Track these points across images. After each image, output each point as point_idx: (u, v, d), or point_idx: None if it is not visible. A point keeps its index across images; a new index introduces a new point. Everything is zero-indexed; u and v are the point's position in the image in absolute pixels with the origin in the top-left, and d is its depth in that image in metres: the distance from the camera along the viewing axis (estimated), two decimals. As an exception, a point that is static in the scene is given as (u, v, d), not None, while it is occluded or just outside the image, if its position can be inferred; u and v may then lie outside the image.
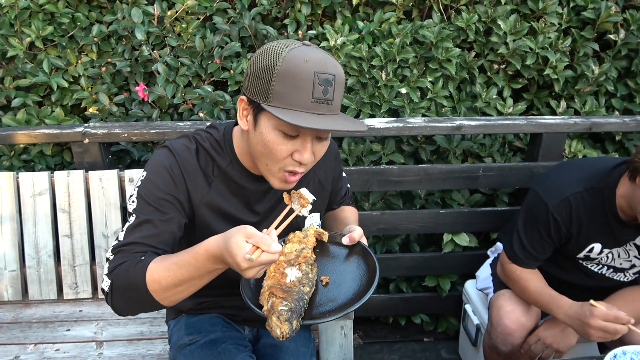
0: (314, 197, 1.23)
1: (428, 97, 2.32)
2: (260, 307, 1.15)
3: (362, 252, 1.35)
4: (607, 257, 1.73)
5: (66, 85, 2.28)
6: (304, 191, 1.23)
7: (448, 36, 2.26)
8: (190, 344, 1.45)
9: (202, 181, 1.28)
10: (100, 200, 2.02)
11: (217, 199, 1.30)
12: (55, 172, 2.01)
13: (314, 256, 1.30)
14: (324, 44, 2.24)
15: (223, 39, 2.30)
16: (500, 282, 1.93)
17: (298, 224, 1.42)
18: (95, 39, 2.28)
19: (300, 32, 2.29)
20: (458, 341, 2.49)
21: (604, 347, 1.90)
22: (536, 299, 1.74)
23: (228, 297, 1.47)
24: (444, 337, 2.65)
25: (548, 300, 1.70)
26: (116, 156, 2.39)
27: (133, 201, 1.22)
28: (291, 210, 1.22)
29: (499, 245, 2.11)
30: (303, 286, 1.18)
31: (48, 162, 2.34)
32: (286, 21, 2.32)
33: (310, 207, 1.22)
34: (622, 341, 1.61)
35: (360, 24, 2.34)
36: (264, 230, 1.05)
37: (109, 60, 2.32)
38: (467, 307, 2.25)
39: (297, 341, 1.53)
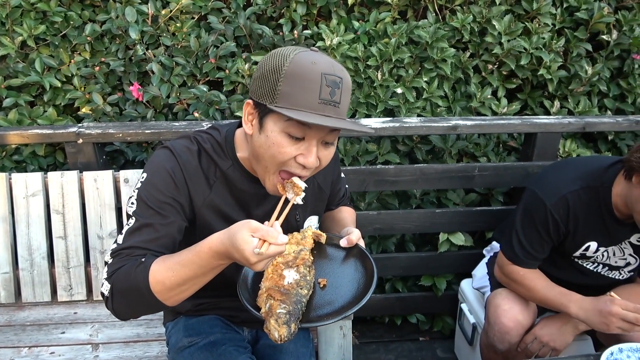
0: (305, 185, 1.22)
1: (423, 97, 2.32)
2: (258, 308, 1.15)
3: (359, 254, 1.34)
4: (603, 255, 1.75)
5: (59, 84, 2.25)
6: (296, 179, 1.22)
7: (443, 36, 2.27)
8: (190, 346, 1.44)
9: (203, 183, 1.27)
10: (95, 201, 1.99)
11: (218, 200, 1.29)
12: (49, 173, 1.98)
13: (312, 258, 1.30)
14: (319, 43, 2.24)
15: (218, 38, 2.29)
16: (497, 281, 1.93)
17: (298, 225, 1.42)
18: (89, 38, 2.26)
19: (295, 31, 2.29)
20: (454, 340, 2.50)
21: (600, 345, 1.92)
22: (545, 297, 1.74)
23: (227, 298, 1.45)
24: (439, 337, 2.67)
25: (559, 297, 1.71)
26: (110, 156, 2.36)
27: (133, 203, 1.20)
28: (287, 201, 1.21)
29: (495, 244, 2.12)
30: (301, 288, 1.17)
31: (40, 163, 2.31)
32: (281, 21, 2.31)
33: (303, 194, 1.21)
34: (620, 340, 1.62)
35: (356, 24, 2.34)
36: (266, 222, 1.05)
37: (103, 59, 2.30)
38: (463, 306, 2.26)
39: (296, 342, 1.53)
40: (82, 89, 2.30)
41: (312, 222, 1.50)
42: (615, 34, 2.38)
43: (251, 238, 1.00)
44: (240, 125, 1.33)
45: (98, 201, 1.99)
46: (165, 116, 2.36)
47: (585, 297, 1.66)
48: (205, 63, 2.26)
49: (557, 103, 2.43)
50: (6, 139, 2.06)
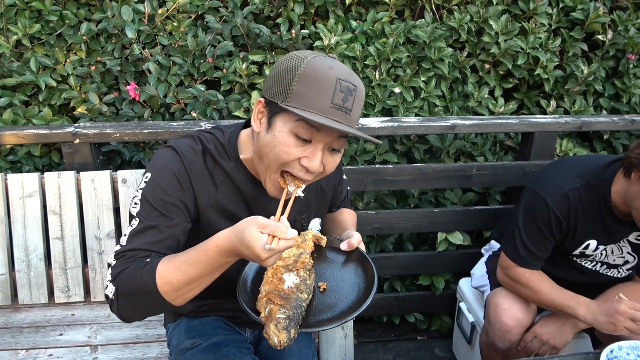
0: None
1: (421, 96, 2.33)
2: (258, 312, 1.14)
3: (360, 258, 1.34)
4: (602, 253, 1.76)
5: (54, 84, 2.23)
6: None
7: (440, 36, 2.28)
8: (192, 347, 1.43)
9: (209, 183, 1.26)
10: (92, 201, 1.97)
11: (224, 200, 1.28)
12: (46, 174, 1.96)
13: (312, 261, 1.29)
14: (317, 43, 2.23)
15: (215, 37, 2.27)
16: (497, 280, 1.94)
17: (303, 229, 1.41)
18: (84, 37, 2.24)
19: (293, 31, 2.28)
20: (452, 339, 2.51)
21: (598, 343, 1.93)
22: (552, 299, 1.74)
23: (229, 299, 1.44)
24: (437, 336, 2.67)
25: (567, 299, 1.72)
26: (106, 157, 2.34)
27: (136, 203, 1.19)
28: (289, 194, 1.20)
29: (493, 243, 2.13)
30: (301, 293, 1.17)
31: (36, 163, 2.28)
32: (279, 20, 2.30)
33: (304, 186, 1.21)
34: (620, 339, 1.64)
35: (354, 23, 2.34)
36: (272, 217, 1.05)
37: (99, 59, 2.28)
38: (462, 305, 2.27)
39: (298, 342, 1.53)
40: (78, 88, 2.28)
41: (314, 224, 1.49)
42: (610, 34, 2.40)
43: (260, 234, 0.99)
44: (245, 126, 1.33)
45: (95, 202, 1.98)
46: (162, 116, 2.35)
47: (592, 300, 1.68)
48: (202, 62, 2.25)
49: (553, 102, 2.45)
50: (1, 139, 2.03)
